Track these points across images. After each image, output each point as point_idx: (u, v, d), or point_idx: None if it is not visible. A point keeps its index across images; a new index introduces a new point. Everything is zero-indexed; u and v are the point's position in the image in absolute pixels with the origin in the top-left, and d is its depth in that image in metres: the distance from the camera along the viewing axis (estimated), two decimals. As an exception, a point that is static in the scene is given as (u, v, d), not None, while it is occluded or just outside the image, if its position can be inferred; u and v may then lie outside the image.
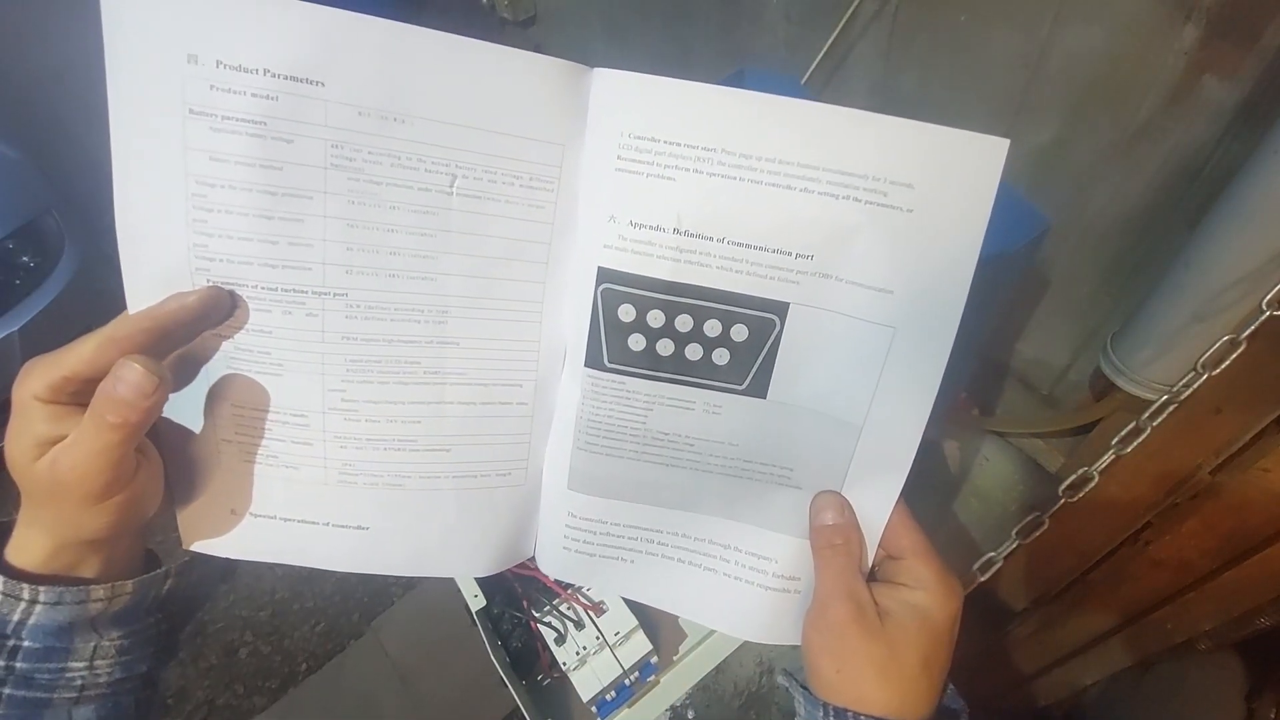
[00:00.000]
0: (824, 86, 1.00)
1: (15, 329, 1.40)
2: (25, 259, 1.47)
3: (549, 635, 0.64)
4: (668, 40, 1.27)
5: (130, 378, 0.28)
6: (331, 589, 1.53)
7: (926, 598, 0.33)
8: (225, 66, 0.28)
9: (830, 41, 0.91)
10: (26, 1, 1.41)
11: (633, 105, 0.31)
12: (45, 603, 0.30)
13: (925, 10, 0.84)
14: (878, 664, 0.32)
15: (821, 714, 0.32)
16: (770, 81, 0.86)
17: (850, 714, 0.31)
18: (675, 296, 0.33)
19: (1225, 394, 0.62)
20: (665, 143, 0.31)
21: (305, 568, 0.37)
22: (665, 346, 0.34)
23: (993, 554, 0.68)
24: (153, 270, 0.31)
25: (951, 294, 0.31)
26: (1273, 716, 0.79)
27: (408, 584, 1.53)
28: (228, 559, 0.37)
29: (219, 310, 0.31)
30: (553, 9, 1.53)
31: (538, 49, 1.75)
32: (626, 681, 0.64)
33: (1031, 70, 0.77)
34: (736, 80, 0.81)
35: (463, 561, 0.39)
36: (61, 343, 0.29)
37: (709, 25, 1.16)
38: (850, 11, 0.87)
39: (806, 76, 0.96)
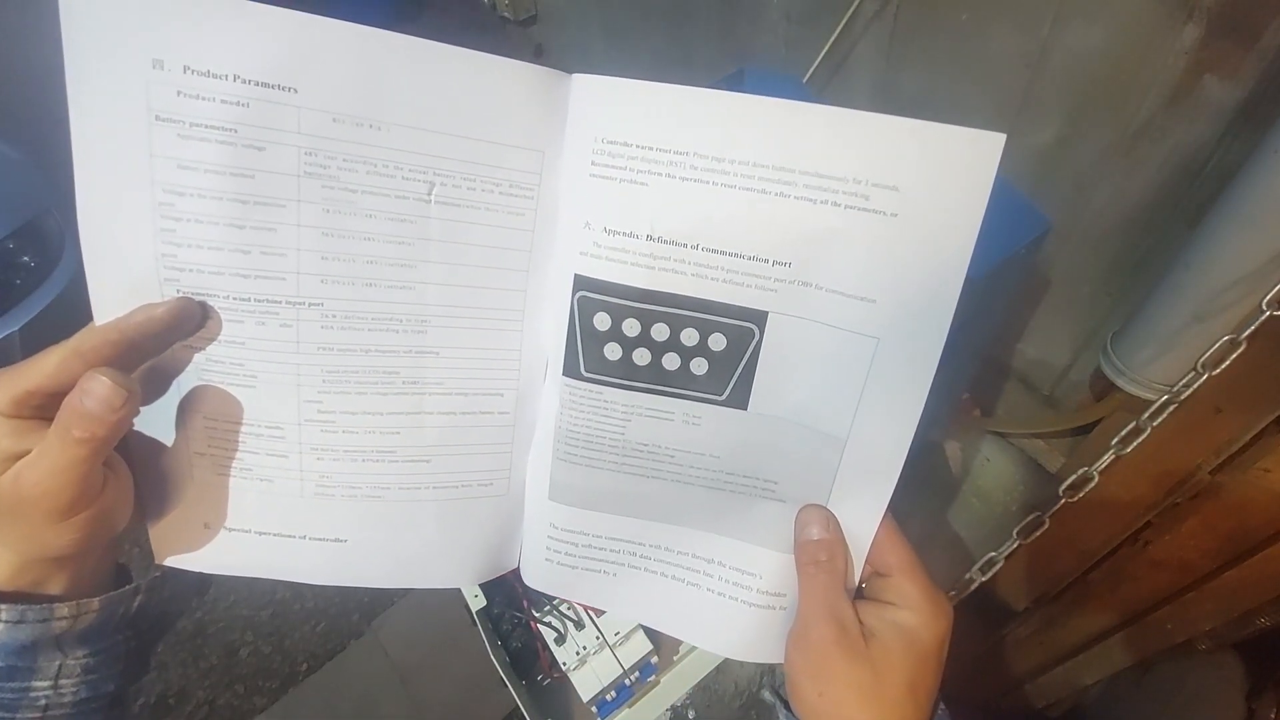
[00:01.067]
0: (825, 86, 1.00)
1: (15, 329, 1.40)
2: (26, 259, 1.47)
3: (549, 635, 0.64)
4: (668, 40, 1.27)
5: (98, 391, 0.27)
6: (332, 589, 1.53)
7: (913, 618, 0.32)
8: (193, 72, 0.27)
9: (831, 41, 0.91)
10: (27, 1, 1.41)
11: (606, 109, 0.31)
12: (7, 621, 0.29)
13: (926, 9, 0.84)
14: (861, 688, 0.31)
15: None
16: (771, 81, 0.85)
17: None
18: (650, 305, 0.32)
19: (1225, 394, 0.62)
20: (637, 147, 0.30)
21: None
22: (642, 356, 0.33)
23: (993, 554, 0.69)
24: (119, 281, 0.30)
25: (939, 303, 0.30)
26: (1273, 716, 0.79)
27: (408, 584, 1.53)
28: (201, 574, 0.36)
29: (189, 321, 0.31)
30: (553, 8, 1.53)
31: (539, 49, 1.73)
32: (627, 681, 0.64)
33: (1033, 69, 0.77)
34: (737, 80, 0.81)
35: (444, 573, 0.39)
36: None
37: (709, 24, 1.16)
38: (851, 11, 0.87)
39: (808, 76, 0.96)
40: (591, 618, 0.64)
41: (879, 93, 0.96)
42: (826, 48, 0.92)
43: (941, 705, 0.33)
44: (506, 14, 1.55)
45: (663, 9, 1.24)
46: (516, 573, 0.62)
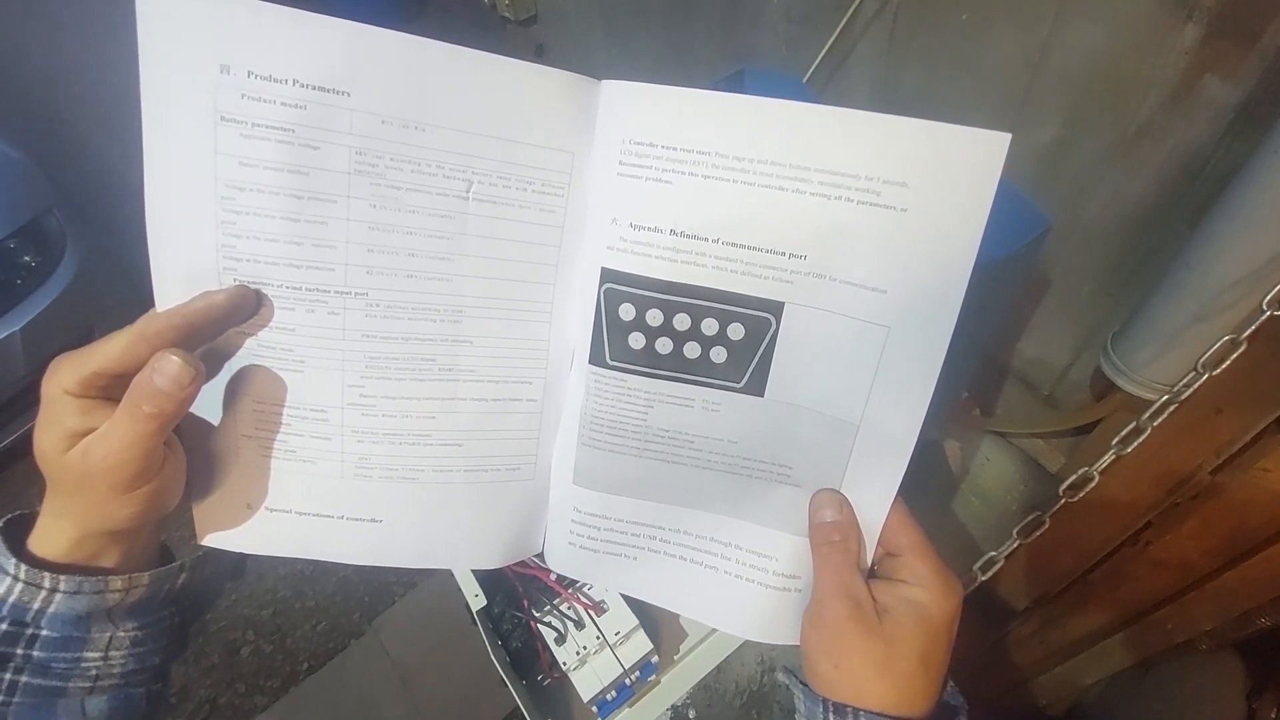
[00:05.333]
0: (825, 85, 1.00)
1: (17, 328, 1.41)
2: (27, 258, 1.47)
3: (549, 635, 0.64)
4: (669, 39, 1.27)
5: (168, 369, 0.29)
6: (333, 588, 1.54)
7: (925, 594, 0.33)
8: (256, 76, 0.30)
9: (831, 40, 0.91)
10: (29, 3, 1.41)
11: (634, 112, 0.32)
12: (65, 592, 0.31)
13: (926, 9, 0.84)
14: (875, 660, 0.32)
15: (821, 710, 0.32)
16: (771, 81, 0.85)
17: (850, 710, 0.31)
18: (673, 296, 0.34)
19: (1225, 394, 0.62)
20: (663, 147, 0.32)
21: (308, 565, 0.38)
22: (664, 345, 0.35)
23: (993, 553, 0.68)
24: (181, 270, 0.32)
25: (947, 293, 0.31)
26: (1273, 716, 0.79)
27: (409, 583, 1.53)
28: (238, 555, 0.37)
29: (245, 309, 0.32)
30: (554, 8, 1.53)
31: (539, 49, 1.73)
32: (627, 681, 0.64)
33: (1033, 69, 0.77)
34: (737, 80, 0.81)
35: (472, 554, 0.40)
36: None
37: (710, 24, 1.16)
38: (851, 11, 0.87)
39: (808, 75, 0.96)
40: (592, 618, 0.64)
41: (879, 92, 0.96)
42: (826, 48, 0.92)
43: (951, 683, 0.34)
44: (507, 14, 1.55)
45: (663, 9, 1.24)
46: (517, 572, 0.62)
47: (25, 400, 1.52)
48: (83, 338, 1.55)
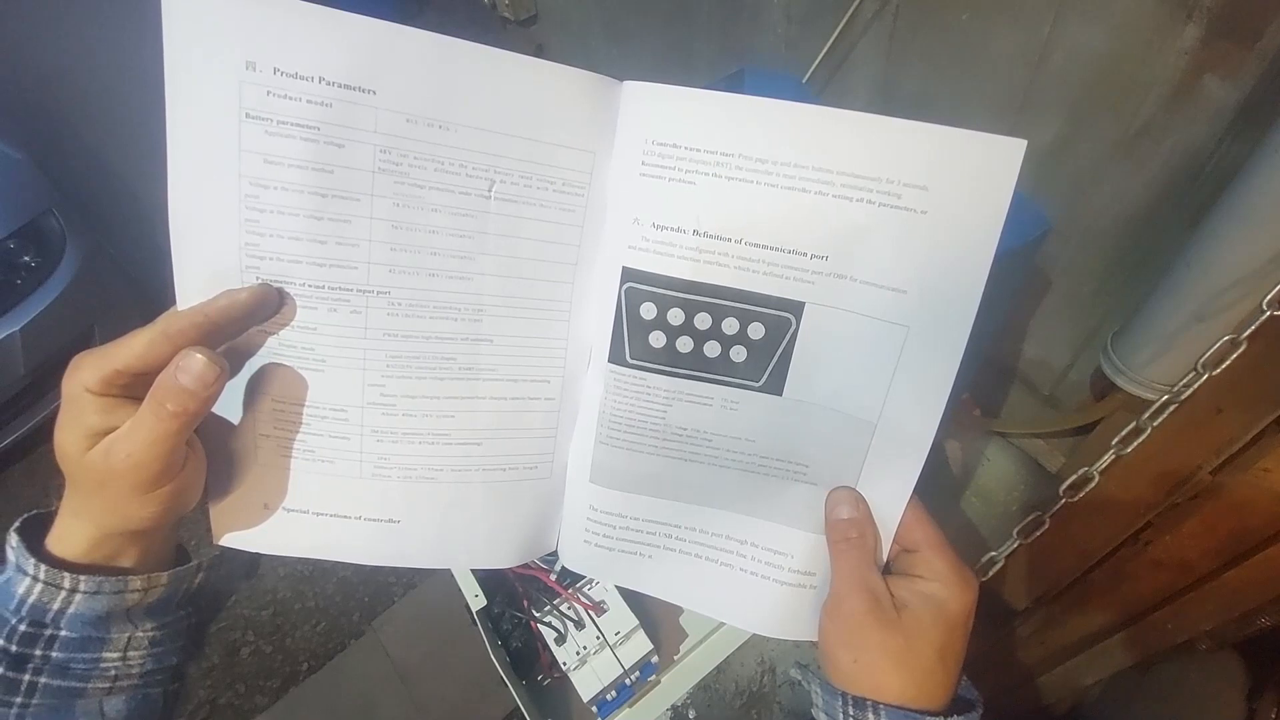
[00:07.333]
0: (825, 86, 1.00)
1: (17, 328, 1.41)
2: (27, 258, 1.47)
3: (549, 635, 0.64)
4: (668, 39, 1.27)
5: (193, 368, 0.29)
6: (333, 589, 1.54)
7: (942, 589, 0.33)
8: (282, 74, 0.30)
9: (831, 40, 0.91)
10: (30, 2, 1.41)
11: (657, 113, 0.33)
12: (85, 592, 0.31)
13: (926, 9, 0.84)
14: (894, 654, 0.32)
15: (840, 704, 0.33)
16: (771, 81, 0.85)
17: (869, 703, 0.32)
18: (694, 295, 0.34)
19: (1226, 394, 0.62)
20: (686, 149, 0.32)
21: (308, 566, 0.38)
22: (685, 343, 0.35)
23: (994, 553, 0.68)
24: (204, 268, 0.32)
25: (965, 294, 0.32)
26: (1273, 716, 0.79)
27: (409, 583, 1.53)
28: (253, 555, 0.37)
29: (268, 307, 0.32)
30: (553, 8, 1.53)
31: (539, 49, 1.73)
32: (627, 681, 0.64)
33: (1033, 69, 0.77)
34: (737, 80, 0.81)
35: (488, 553, 0.40)
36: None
37: (709, 24, 1.16)
38: (851, 10, 0.87)
39: (808, 76, 0.96)
40: (592, 618, 0.64)
41: (879, 93, 0.96)
42: (826, 48, 0.92)
43: (965, 678, 0.35)
44: (507, 14, 1.55)
45: (663, 9, 1.24)
46: (517, 572, 0.62)
47: (25, 400, 1.52)
48: (83, 337, 1.55)
